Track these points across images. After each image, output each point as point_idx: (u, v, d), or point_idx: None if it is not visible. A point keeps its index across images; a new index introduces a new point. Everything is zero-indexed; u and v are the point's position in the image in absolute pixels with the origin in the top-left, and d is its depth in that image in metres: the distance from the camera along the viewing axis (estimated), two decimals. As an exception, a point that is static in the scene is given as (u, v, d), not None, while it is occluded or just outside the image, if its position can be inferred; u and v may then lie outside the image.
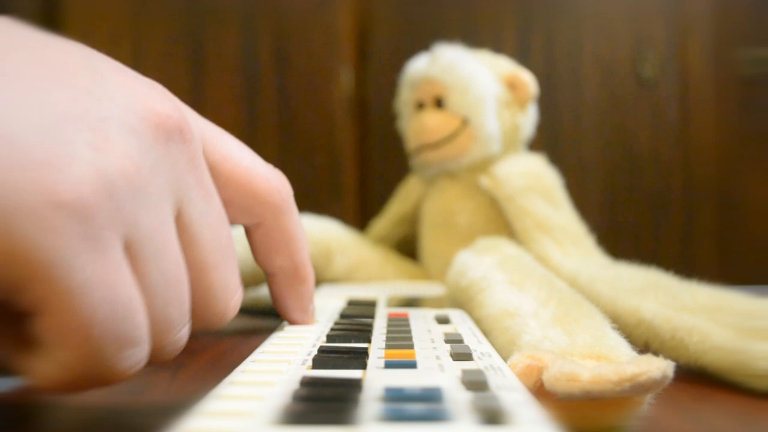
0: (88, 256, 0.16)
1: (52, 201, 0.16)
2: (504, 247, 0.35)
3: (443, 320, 0.27)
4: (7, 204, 0.15)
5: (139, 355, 0.18)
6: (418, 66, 0.49)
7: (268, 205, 0.24)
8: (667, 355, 0.24)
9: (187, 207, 0.20)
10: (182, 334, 0.20)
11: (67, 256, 0.16)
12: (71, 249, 0.16)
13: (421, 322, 0.27)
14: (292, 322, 0.27)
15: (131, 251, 0.18)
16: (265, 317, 0.43)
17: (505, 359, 0.21)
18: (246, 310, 0.45)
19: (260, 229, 0.25)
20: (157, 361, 0.20)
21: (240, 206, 0.24)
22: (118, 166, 0.17)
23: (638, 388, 0.19)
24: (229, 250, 0.22)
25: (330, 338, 0.23)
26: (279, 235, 0.25)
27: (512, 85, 0.48)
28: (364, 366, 0.19)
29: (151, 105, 0.19)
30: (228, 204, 0.23)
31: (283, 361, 0.20)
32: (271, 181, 0.24)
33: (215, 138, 0.23)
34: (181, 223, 0.20)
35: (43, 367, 0.18)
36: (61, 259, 0.16)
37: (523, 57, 0.63)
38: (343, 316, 0.29)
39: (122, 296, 0.17)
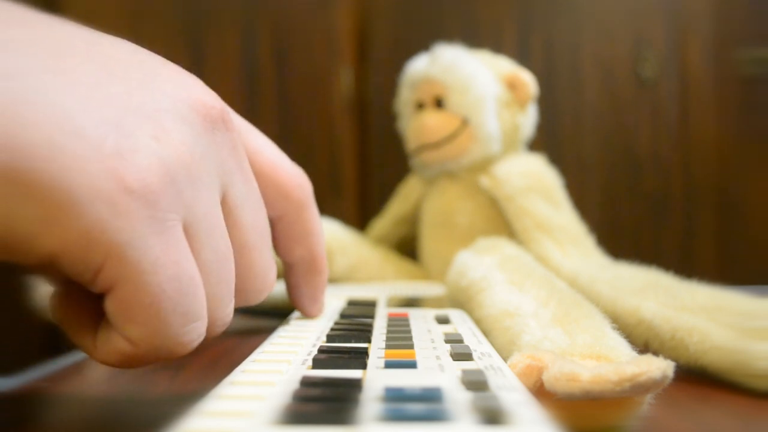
0: (156, 237, 0.18)
1: (124, 188, 0.17)
2: (504, 247, 0.35)
3: (443, 320, 0.27)
4: (84, 192, 0.17)
5: (200, 329, 0.20)
6: (418, 66, 0.49)
7: (291, 200, 0.26)
8: (667, 355, 0.24)
9: (230, 191, 0.22)
10: (229, 309, 0.22)
11: (138, 238, 0.18)
12: (141, 231, 0.18)
13: (421, 322, 0.27)
14: (302, 311, 0.29)
15: (189, 232, 0.19)
16: (265, 317, 0.43)
17: (505, 359, 0.21)
18: (246, 310, 0.45)
19: (282, 222, 0.27)
20: (209, 336, 0.21)
21: (266, 198, 0.25)
22: (176, 154, 0.19)
23: (638, 388, 0.19)
24: (266, 230, 0.24)
25: (330, 338, 0.23)
26: (300, 228, 0.27)
27: (512, 85, 0.48)
28: (364, 366, 0.19)
29: (198, 96, 0.21)
30: None
31: (283, 361, 0.20)
32: (295, 177, 0.26)
33: (247, 131, 0.25)
34: (225, 205, 0.22)
35: (112, 343, 0.19)
36: (133, 241, 0.17)
37: (523, 57, 0.63)
38: (343, 316, 0.29)
39: (186, 274, 0.19)
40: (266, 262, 0.24)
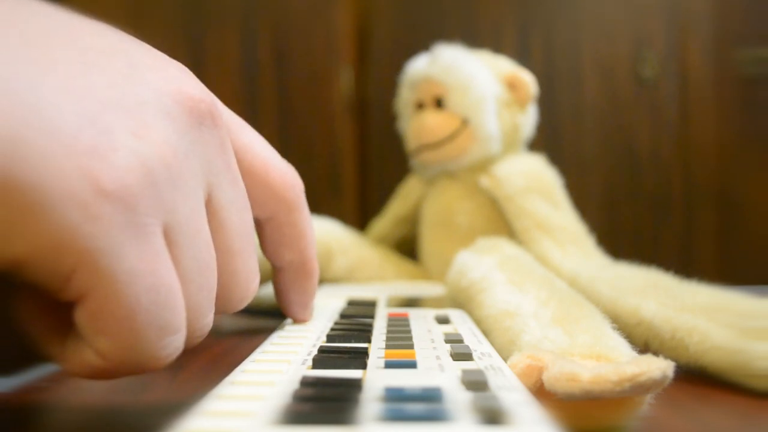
0: (132, 244, 0.16)
1: (98, 190, 0.16)
2: (504, 247, 0.35)
3: (443, 320, 0.27)
4: (55, 193, 0.15)
5: (177, 342, 0.18)
6: (418, 66, 0.49)
7: (282, 200, 0.24)
8: (667, 355, 0.24)
9: (216, 192, 0.20)
10: (209, 319, 0.20)
11: (113, 245, 0.16)
12: (116, 237, 0.16)
13: (421, 322, 0.27)
14: (291, 317, 0.27)
15: (169, 238, 0.18)
16: (265, 317, 0.43)
17: (505, 359, 0.21)
18: (246, 310, 0.45)
19: (272, 223, 0.25)
20: (186, 347, 0.20)
21: (255, 199, 0.24)
22: (157, 153, 0.17)
23: (638, 388, 0.19)
24: (251, 235, 0.22)
25: (330, 338, 0.23)
26: (290, 230, 0.25)
27: (512, 85, 0.48)
28: (364, 366, 0.19)
29: (183, 88, 0.19)
30: None
31: (283, 361, 0.20)
32: (287, 176, 0.24)
33: (237, 127, 0.23)
34: (210, 207, 0.20)
35: (81, 355, 0.18)
36: (106, 248, 0.16)
37: (523, 57, 0.63)
38: (343, 316, 0.29)
39: (164, 284, 0.17)
40: (250, 269, 0.22)
